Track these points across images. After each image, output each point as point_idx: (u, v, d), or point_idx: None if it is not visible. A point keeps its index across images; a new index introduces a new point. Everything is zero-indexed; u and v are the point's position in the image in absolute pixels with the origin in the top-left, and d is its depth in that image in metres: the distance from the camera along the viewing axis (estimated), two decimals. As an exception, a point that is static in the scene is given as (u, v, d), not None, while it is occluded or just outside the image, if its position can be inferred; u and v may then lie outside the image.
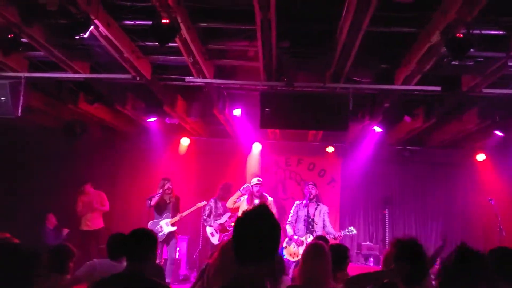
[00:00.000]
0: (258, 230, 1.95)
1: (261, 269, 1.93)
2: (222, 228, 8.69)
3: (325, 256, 3.54)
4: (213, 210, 8.83)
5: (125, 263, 4.40)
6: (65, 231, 8.76)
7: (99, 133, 9.95)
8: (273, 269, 1.95)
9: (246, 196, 8.31)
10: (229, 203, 8.39)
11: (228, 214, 8.73)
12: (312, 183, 8.24)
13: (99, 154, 10.40)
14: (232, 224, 8.81)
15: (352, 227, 7.91)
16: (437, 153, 10.28)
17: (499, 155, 9.22)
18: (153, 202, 8.61)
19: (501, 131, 7.97)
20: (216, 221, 8.70)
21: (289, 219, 8.19)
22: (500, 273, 2.81)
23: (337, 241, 7.93)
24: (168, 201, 8.71)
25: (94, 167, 10.17)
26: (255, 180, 8.35)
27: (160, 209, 8.70)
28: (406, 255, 2.65)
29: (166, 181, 8.73)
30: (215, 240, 8.66)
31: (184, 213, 8.65)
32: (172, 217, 8.56)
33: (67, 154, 9.70)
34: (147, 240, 3.17)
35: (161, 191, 8.61)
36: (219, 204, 8.85)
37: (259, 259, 1.93)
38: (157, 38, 4.69)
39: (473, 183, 9.88)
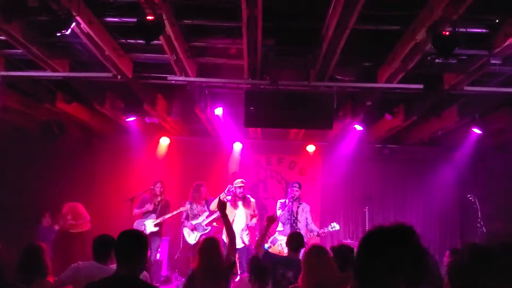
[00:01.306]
0: (386, 254, 1.64)
1: None
2: (199, 228, 8.61)
3: (330, 259, 3.47)
4: (189, 212, 8.76)
5: (111, 265, 4.33)
6: (56, 227, 8.56)
7: (76, 133, 9.73)
8: None
9: (229, 197, 8.28)
10: (213, 206, 8.30)
11: (206, 213, 8.65)
12: (296, 185, 8.20)
13: (77, 155, 10.17)
14: (214, 224, 8.76)
15: (335, 223, 7.94)
16: (416, 150, 10.43)
17: (475, 152, 9.36)
18: (145, 208, 8.53)
19: (479, 129, 8.10)
20: (191, 221, 8.64)
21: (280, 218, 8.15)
22: None
23: (319, 238, 7.99)
24: (157, 203, 8.58)
25: (72, 167, 9.95)
26: (238, 182, 8.32)
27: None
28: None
29: (158, 182, 8.65)
30: (191, 240, 8.61)
31: (167, 216, 8.51)
32: (157, 218, 8.45)
33: (44, 155, 9.46)
34: (139, 242, 3.07)
35: (158, 189, 8.58)
36: (194, 206, 8.78)
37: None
38: (143, 35, 4.59)
39: (452, 180, 10.01)
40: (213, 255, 4.50)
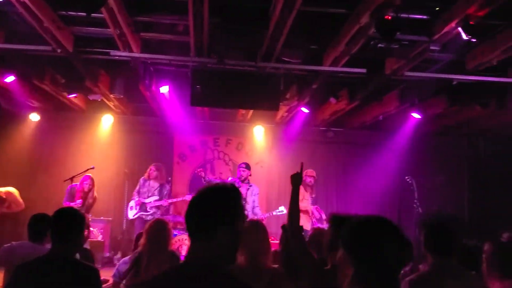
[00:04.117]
0: (203, 201, 1.80)
1: (212, 245, 1.72)
2: (143, 208, 8.56)
3: (265, 233, 3.55)
4: (140, 189, 8.72)
5: (47, 246, 4.19)
6: None
7: (14, 109, 9.27)
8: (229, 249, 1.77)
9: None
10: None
11: (156, 197, 8.59)
12: (243, 165, 8.23)
13: (15, 132, 9.73)
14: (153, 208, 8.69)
15: (282, 207, 8.05)
16: (358, 134, 10.72)
17: (414, 136, 9.72)
18: (75, 204, 7.89)
19: (418, 114, 8.40)
20: (141, 198, 8.59)
21: None
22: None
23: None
24: (85, 200, 8.07)
25: (10, 145, 9.51)
26: (309, 171, 8.55)
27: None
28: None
29: (88, 179, 8.15)
30: (130, 214, 8.68)
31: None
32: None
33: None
34: (75, 220, 2.99)
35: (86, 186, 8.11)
36: (148, 183, 8.75)
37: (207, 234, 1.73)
38: (83, 7, 4.40)
39: (392, 163, 10.36)
40: (160, 239, 4.44)
